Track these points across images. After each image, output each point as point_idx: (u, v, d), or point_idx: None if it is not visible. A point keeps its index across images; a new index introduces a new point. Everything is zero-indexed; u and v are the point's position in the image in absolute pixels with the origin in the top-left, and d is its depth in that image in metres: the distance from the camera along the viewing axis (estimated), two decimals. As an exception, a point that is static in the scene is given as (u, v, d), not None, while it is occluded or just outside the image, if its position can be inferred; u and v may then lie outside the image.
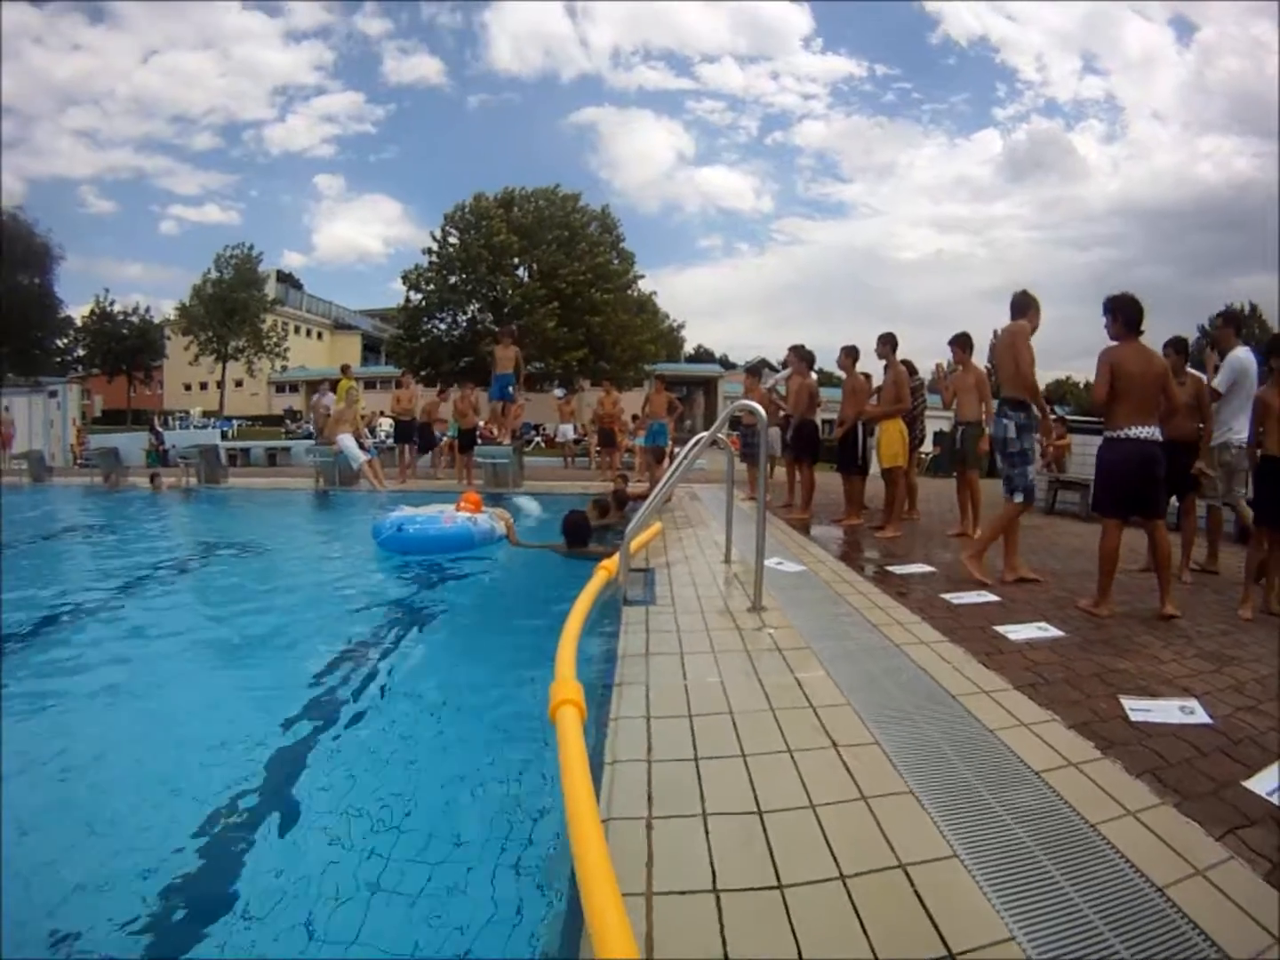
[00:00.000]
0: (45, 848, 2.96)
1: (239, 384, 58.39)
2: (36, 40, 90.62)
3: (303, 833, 2.99)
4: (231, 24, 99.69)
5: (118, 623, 6.30)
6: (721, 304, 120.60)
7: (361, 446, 15.46)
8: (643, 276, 44.43)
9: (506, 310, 38.39)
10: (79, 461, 25.56)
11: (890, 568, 6.82)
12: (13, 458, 23.23)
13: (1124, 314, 5.56)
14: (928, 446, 17.37)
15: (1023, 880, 2.18)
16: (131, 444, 25.00)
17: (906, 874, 2.18)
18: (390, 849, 2.75)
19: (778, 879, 2.16)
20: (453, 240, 40.86)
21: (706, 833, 2.39)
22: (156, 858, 2.81)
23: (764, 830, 2.41)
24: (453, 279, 40.12)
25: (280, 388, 61.75)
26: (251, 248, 54.76)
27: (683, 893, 2.11)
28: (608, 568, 5.48)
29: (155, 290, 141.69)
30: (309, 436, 16.56)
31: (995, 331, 6.96)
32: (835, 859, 2.25)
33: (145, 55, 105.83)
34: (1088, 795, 2.67)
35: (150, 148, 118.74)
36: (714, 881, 2.15)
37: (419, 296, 41.13)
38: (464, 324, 41.01)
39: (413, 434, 17.28)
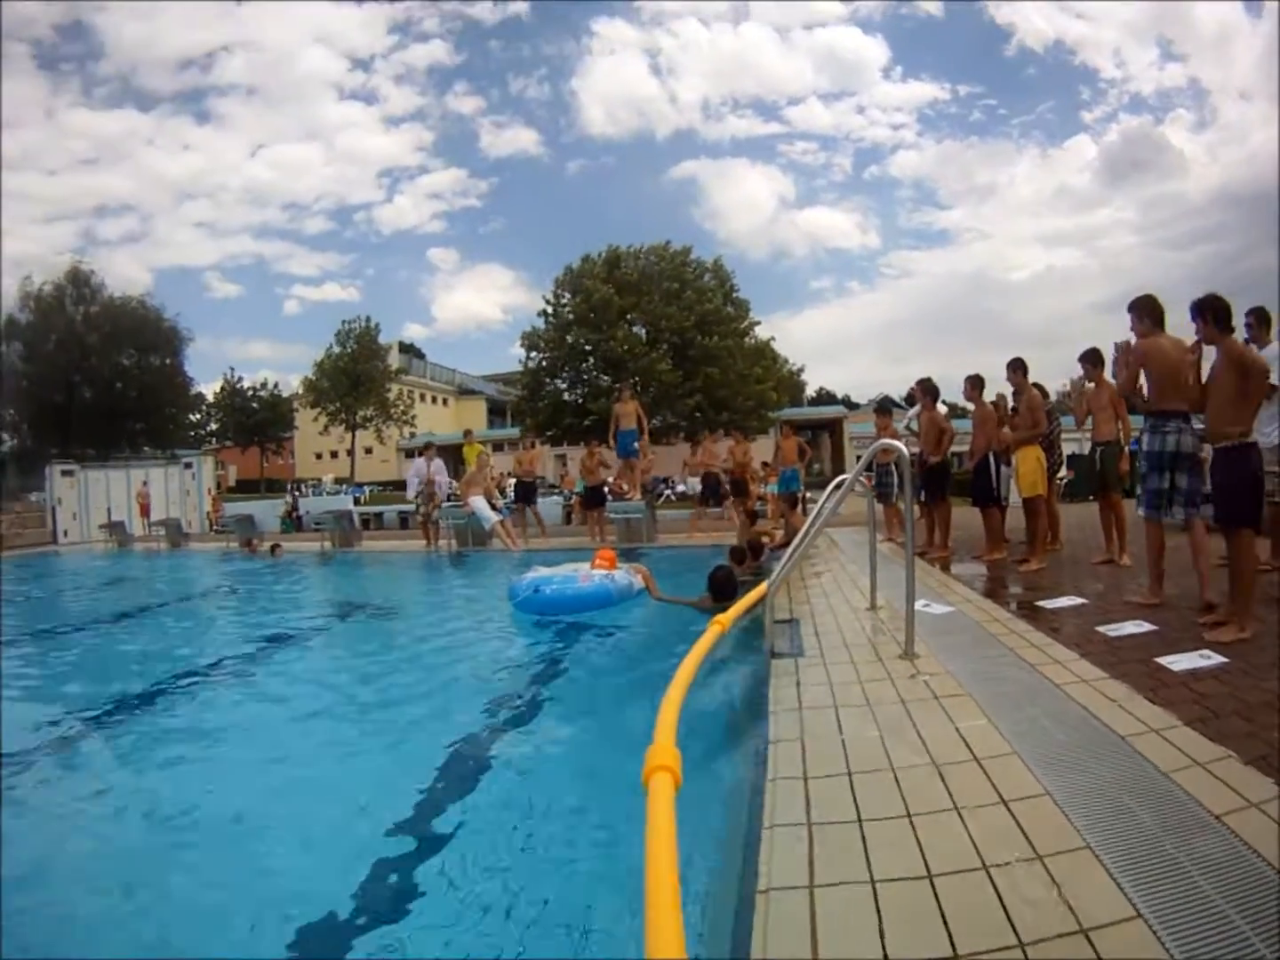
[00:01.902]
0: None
1: (369, 451, 60.71)
2: (148, 143, 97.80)
3: (432, 897, 3.13)
4: (332, 115, 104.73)
5: (253, 681, 6.80)
6: (838, 344, 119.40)
7: (494, 507, 15.75)
8: (759, 323, 44.40)
9: (619, 365, 38.81)
10: (215, 528, 27.62)
11: (1040, 603, 6.63)
12: (151, 525, 25.51)
13: (1215, 314, 5.44)
14: (1063, 471, 16.87)
15: (1212, 940, 2.09)
16: (267, 511, 27.52)
17: (1089, 939, 2.11)
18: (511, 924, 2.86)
19: (953, 949, 2.11)
20: (564, 302, 41.63)
21: (875, 901, 2.36)
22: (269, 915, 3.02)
23: (935, 896, 2.36)
24: (569, 338, 40.75)
25: (409, 453, 63.32)
26: (369, 320, 56.88)
27: (851, 967, 2.07)
28: (721, 623, 5.31)
29: (283, 366, 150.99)
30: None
31: (1117, 345, 6.69)
32: (1013, 925, 2.19)
33: (253, 149, 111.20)
34: (1273, 839, 2.55)
35: (267, 234, 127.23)
36: (884, 953, 2.12)
37: (539, 357, 41.89)
38: (584, 382, 41.58)
39: (534, 494, 17.59)
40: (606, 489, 16.43)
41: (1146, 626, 5.55)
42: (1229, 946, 2.07)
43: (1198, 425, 6.26)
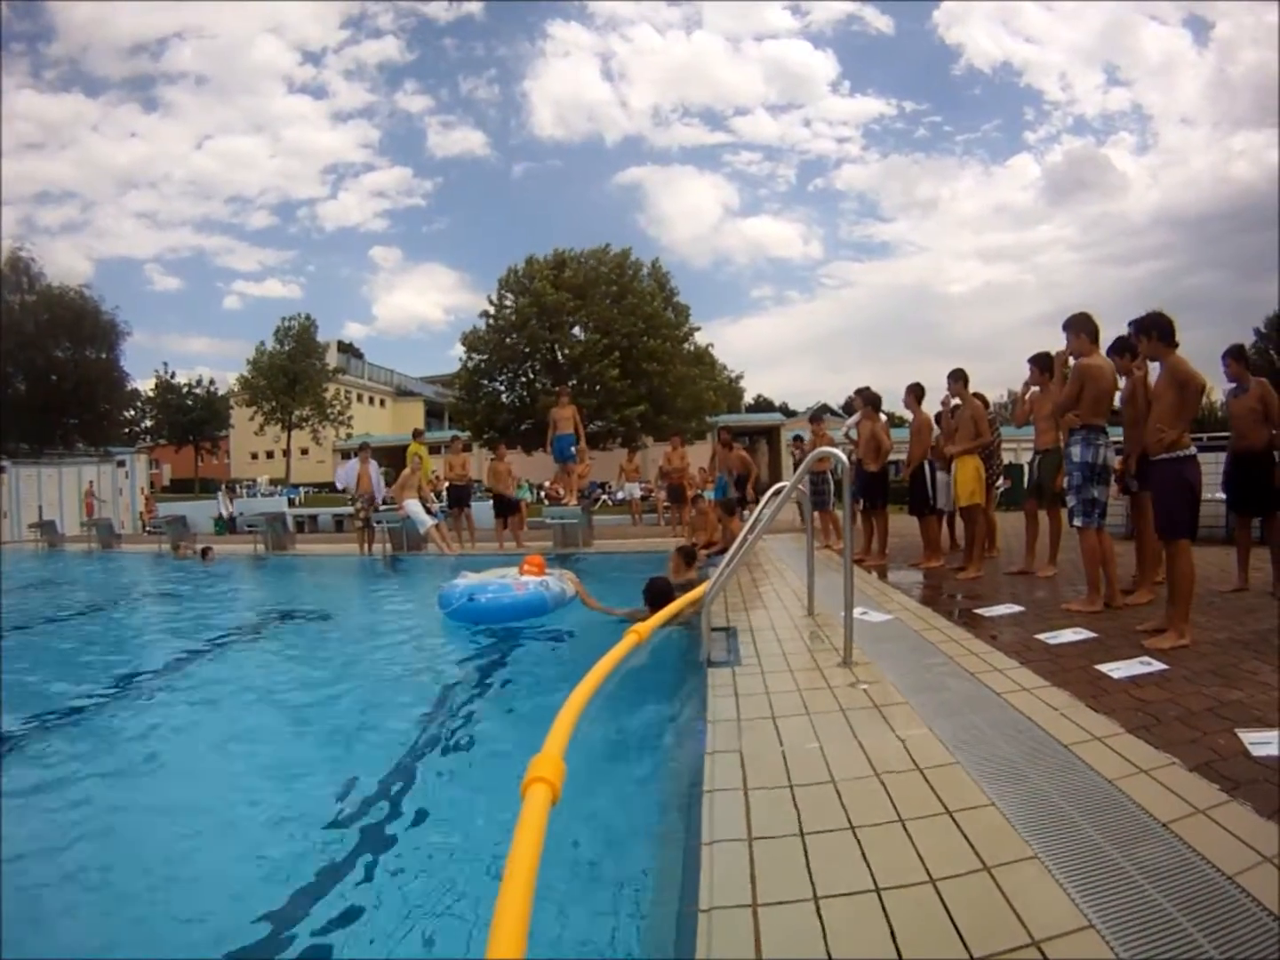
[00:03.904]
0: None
1: (305, 452, 59.89)
2: (94, 129, 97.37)
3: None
4: (279, 108, 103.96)
5: (178, 692, 6.48)
6: (777, 352, 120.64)
7: (429, 511, 15.55)
8: (698, 329, 44.41)
9: (565, 367, 38.65)
10: (147, 529, 26.90)
11: (978, 610, 6.65)
12: (82, 524, 24.90)
13: (1159, 330, 5.50)
14: (1000, 481, 17.06)
15: (1164, 947, 2.05)
16: (199, 512, 26.80)
17: (1041, 951, 2.04)
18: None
19: (902, 966, 2.03)
20: (508, 303, 41.34)
21: (820, 918, 2.25)
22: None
23: (884, 911, 2.26)
24: (509, 340, 40.48)
25: (346, 455, 62.55)
26: (308, 317, 56.12)
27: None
28: (639, 632, 5.13)
29: (221, 363, 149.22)
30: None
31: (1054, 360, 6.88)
32: (963, 940, 2.10)
33: (199, 140, 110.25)
34: (1221, 844, 2.52)
35: (209, 227, 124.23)
36: (831, 970, 2.03)
37: (478, 358, 41.57)
38: (522, 385, 41.36)
39: (468, 498, 17.23)
40: (545, 494, 16.35)
41: (1085, 634, 5.58)
42: (1181, 953, 2.03)
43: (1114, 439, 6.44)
